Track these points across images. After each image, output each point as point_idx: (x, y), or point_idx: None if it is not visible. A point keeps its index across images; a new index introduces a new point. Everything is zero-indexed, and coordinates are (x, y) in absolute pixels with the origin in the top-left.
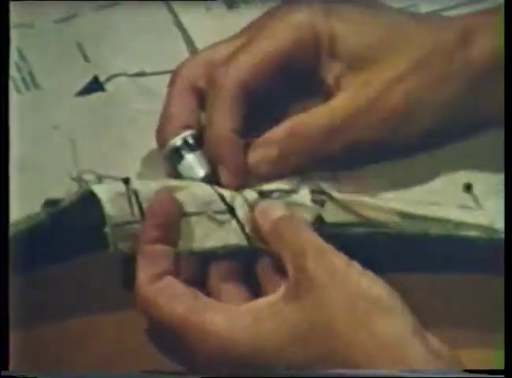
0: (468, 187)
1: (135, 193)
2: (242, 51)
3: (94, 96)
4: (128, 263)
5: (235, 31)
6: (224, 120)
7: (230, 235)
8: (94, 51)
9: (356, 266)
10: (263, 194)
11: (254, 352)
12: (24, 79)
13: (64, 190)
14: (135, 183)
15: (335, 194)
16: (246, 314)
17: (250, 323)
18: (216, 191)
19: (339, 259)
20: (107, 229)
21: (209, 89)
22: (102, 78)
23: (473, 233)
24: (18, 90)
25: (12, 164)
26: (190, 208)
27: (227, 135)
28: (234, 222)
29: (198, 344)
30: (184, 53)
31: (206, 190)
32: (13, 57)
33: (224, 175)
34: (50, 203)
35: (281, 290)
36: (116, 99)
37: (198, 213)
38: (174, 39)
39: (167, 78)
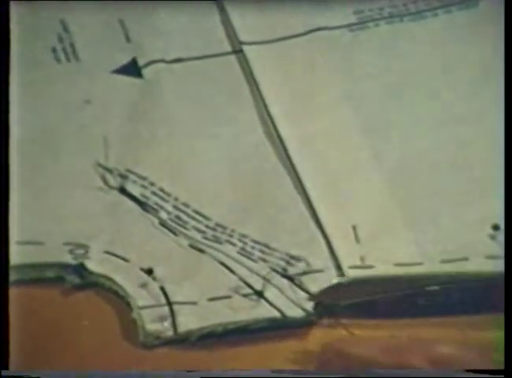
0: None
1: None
2: None
3: (131, 80)
4: None
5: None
6: None
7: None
8: (136, 30)
9: None
10: (291, 279)
11: None
12: (64, 50)
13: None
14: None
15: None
16: None
17: None
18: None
19: None
20: (134, 314)
21: None
22: (140, 62)
23: None
24: (58, 61)
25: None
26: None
27: None
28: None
29: None
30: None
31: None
32: (56, 28)
33: None
34: None
35: None
36: (152, 90)
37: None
38: (214, 23)
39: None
